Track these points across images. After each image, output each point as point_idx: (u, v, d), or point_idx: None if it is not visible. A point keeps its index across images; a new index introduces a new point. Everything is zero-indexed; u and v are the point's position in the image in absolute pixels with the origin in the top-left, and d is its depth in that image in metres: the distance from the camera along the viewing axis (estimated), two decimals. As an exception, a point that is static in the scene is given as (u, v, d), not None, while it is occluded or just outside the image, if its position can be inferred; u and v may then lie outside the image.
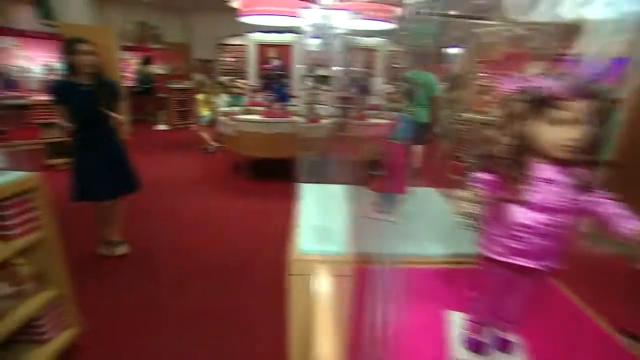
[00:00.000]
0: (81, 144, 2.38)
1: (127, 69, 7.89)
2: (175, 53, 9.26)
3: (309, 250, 0.98)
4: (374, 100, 7.62)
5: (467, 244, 0.87)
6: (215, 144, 5.95)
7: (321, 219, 1.19)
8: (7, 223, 1.49)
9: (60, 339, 1.81)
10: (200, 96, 5.84)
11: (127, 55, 8.02)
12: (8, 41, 5.63)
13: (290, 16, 4.54)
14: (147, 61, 7.75)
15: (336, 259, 0.93)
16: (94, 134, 2.34)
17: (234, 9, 6.42)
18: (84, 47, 2.21)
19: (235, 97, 4.53)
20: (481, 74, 5.92)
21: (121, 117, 2.42)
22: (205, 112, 5.78)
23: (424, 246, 1.06)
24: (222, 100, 5.97)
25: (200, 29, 9.81)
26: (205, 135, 5.87)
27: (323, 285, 0.87)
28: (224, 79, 7.00)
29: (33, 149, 5.24)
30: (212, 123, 5.91)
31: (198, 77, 8.33)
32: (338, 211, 1.22)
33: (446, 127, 5.11)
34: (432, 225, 1.22)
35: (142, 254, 2.76)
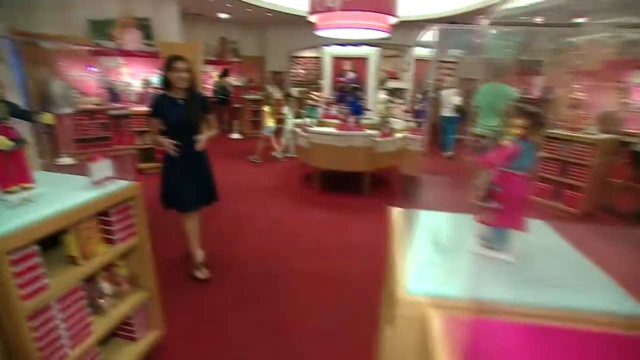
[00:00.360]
0: (174, 157, 2.43)
1: (208, 81, 8.52)
2: (250, 65, 9.79)
3: (417, 292, 0.87)
4: (446, 113, 7.24)
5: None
6: (278, 154, 6.21)
7: (429, 252, 1.07)
8: (112, 228, 1.61)
9: (147, 339, 1.92)
10: (266, 107, 6.08)
11: (208, 68, 8.69)
12: (117, 60, 6.41)
13: (366, 29, 4.51)
14: (225, 73, 8.28)
15: (452, 304, 0.81)
16: (184, 146, 2.39)
17: (306, 23, 6.62)
18: (181, 64, 2.29)
19: (309, 108, 4.58)
20: (574, 86, 5.28)
21: (212, 132, 2.52)
22: (270, 123, 6.02)
23: (564, 296, 0.87)
24: (290, 112, 6.21)
25: (274, 42, 10.26)
26: (268, 144, 6.16)
27: (435, 334, 0.76)
28: (293, 90, 7.22)
29: (129, 153, 5.88)
30: (276, 133, 6.17)
31: (269, 89, 8.72)
32: (447, 244, 1.09)
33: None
34: (560, 267, 1.03)
35: (219, 261, 2.86)
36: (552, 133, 4.28)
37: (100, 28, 6.01)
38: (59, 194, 1.47)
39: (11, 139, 1.37)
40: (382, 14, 4.38)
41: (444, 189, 1.35)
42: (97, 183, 1.55)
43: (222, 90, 8.13)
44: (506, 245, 1.07)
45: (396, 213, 1.46)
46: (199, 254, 2.65)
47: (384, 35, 4.69)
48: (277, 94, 8.61)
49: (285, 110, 6.27)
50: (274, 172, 5.53)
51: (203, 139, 2.42)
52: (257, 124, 8.53)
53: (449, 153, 7.26)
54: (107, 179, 1.60)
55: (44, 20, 5.68)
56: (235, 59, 9.43)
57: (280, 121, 6.59)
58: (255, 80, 9.48)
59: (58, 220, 1.35)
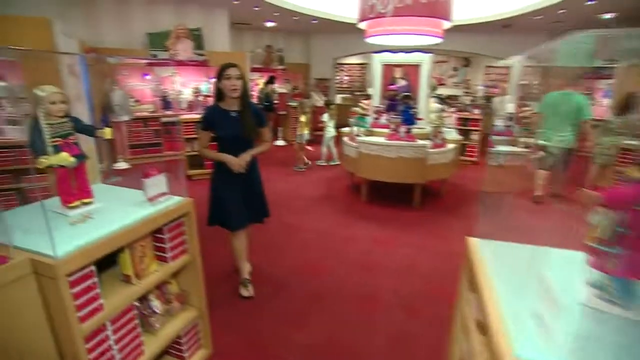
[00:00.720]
0: (222, 168, 2.31)
1: (254, 88, 8.69)
2: (295, 72, 9.87)
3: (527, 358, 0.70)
4: (498, 122, 6.78)
5: None
6: (322, 162, 6.23)
7: (532, 302, 0.88)
8: (165, 246, 1.57)
9: (195, 358, 1.86)
10: (302, 117, 6.06)
11: (254, 75, 8.87)
12: (170, 70, 6.70)
13: (419, 35, 4.30)
14: (271, 81, 8.39)
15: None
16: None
17: (351, 30, 6.53)
18: (233, 71, 2.14)
19: (358, 117, 4.45)
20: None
21: (262, 147, 2.38)
22: (304, 131, 6.04)
23: None
24: (330, 120, 6.18)
25: (319, 49, 10.27)
26: (304, 152, 6.18)
27: None
28: (336, 98, 7.13)
29: (178, 159, 6.09)
30: (313, 141, 6.10)
31: (314, 95, 8.69)
32: (553, 292, 0.90)
33: (605, 156, 4.16)
34: None
35: (265, 277, 2.79)
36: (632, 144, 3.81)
37: (157, 40, 6.32)
38: (115, 210, 1.45)
39: (74, 155, 1.37)
40: (437, 19, 4.16)
41: (538, 216, 1.14)
42: (152, 199, 1.51)
43: (267, 98, 8.24)
44: (631, 299, 0.86)
45: (477, 245, 1.27)
46: (246, 270, 2.57)
47: (437, 41, 4.46)
48: (320, 101, 8.58)
49: (325, 117, 6.21)
50: (319, 180, 5.44)
51: (246, 158, 2.24)
52: (301, 131, 8.58)
53: (500, 162, 6.80)
54: (162, 194, 1.57)
55: (108, 34, 6.07)
56: (280, 66, 9.54)
57: (319, 129, 6.54)
58: (300, 87, 9.54)
59: (116, 239, 1.31)
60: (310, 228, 3.71)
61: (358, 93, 12.46)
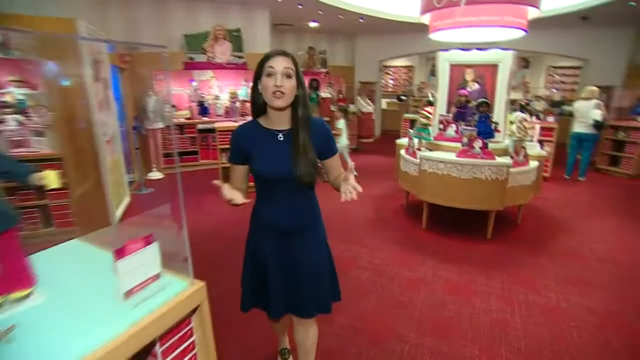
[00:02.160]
0: (256, 220, 1.43)
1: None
2: (339, 76, 9.26)
3: None
4: (582, 129, 5.68)
5: None
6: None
7: None
8: None
9: None
10: (340, 123, 5.49)
11: (296, 79, 8.35)
12: (208, 73, 6.34)
13: (499, 27, 3.51)
14: (315, 86, 7.81)
15: None
16: (283, 215, 1.37)
17: (399, 29, 5.83)
18: (280, 62, 1.24)
19: (420, 128, 3.71)
20: None
21: (348, 183, 1.18)
22: (343, 139, 5.53)
23: None
24: (345, 127, 5.61)
25: (364, 51, 9.59)
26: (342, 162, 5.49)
27: None
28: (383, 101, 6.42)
29: (213, 169, 5.67)
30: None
31: (359, 100, 8.04)
32: None
33: None
34: None
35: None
36: None
37: (194, 42, 5.97)
38: (62, 320, 0.82)
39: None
40: (523, 5, 3.34)
41: None
42: (130, 294, 0.89)
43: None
44: None
45: None
46: (284, 341, 1.94)
47: (520, 34, 3.63)
48: (367, 106, 7.90)
49: (341, 124, 5.56)
50: (363, 197, 4.72)
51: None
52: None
53: (581, 178, 5.76)
54: (150, 280, 0.94)
55: (145, 36, 5.79)
56: (323, 69, 8.97)
57: (365, 136, 5.86)
58: (344, 92, 8.90)
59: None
60: (363, 263, 3.03)
61: (404, 97, 11.63)
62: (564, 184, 5.67)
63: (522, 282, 2.76)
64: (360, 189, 1.16)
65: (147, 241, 0.90)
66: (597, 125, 5.53)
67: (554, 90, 9.70)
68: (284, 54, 1.24)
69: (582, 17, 7.12)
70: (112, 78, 4.91)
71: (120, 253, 0.82)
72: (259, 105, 1.33)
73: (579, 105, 5.70)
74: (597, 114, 5.44)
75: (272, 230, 1.38)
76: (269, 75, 1.22)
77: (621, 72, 7.74)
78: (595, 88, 5.69)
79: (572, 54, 8.11)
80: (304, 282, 1.40)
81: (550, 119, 6.07)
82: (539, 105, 6.72)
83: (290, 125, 1.32)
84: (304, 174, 1.27)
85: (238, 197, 1.16)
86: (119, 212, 3.89)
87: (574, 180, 5.82)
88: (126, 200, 4.39)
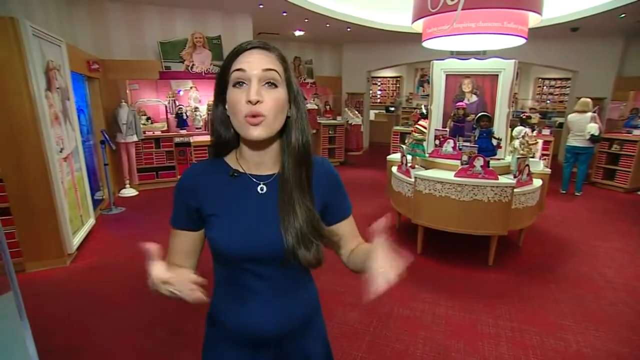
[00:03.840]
0: (223, 336, 0.85)
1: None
2: (326, 86, 9.00)
3: None
4: (577, 143, 5.48)
5: None
6: None
7: None
8: None
9: None
10: None
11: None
12: (187, 84, 5.96)
13: (498, 34, 3.25)
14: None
15: None
16: (261, 313, 0.80)
17: (387, 39, 5.60)
18: (259, 62, 0.74)
19: (413, 144, 3.40)
20: None
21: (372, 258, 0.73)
22: None
23: None
24: None
25: (352, 61, 9.36)
26: None
27: None
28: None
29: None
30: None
31: (347, 112, 7.77)
32: None
33: None
34: None
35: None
36: None
37: (171, 49, 5.59)
38: None
39: None
40: (524, 11, 3.09)
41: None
42: None
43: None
44: None
45: None
46: None
47: (521, 42, 3.38)
48: (355, 118, 7.60)
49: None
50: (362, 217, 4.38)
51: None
52: (332, 151, 7.62)
53: (578, 193, 5.54)
54: None
55: (117, 43, 5.38)
56: (310, 80, 8.69)
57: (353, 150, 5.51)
58: (331, 103, 8.62)
59: None
60: (350, 299, 2.65)
61: (392, 109, 11.43)
62: (561, 199, 5.44)
63: (534, 320, 2.43)
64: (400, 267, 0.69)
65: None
66: (594, 139, 5.34)
67: (548, 102, 9.61)
68: (265, 46, 0.73)
69: (572, 29, 7.03)
70: (78, 87, 4.50)
71: None
72: (223, 136, 0.79)
73: (574, 119, 5.51)
74: (594, 128, 5.25)
75: (246, 343, 0.82)
76: (239, 83, 0.71)
77: (610, 83, 7.67)
78: (589, 100, 5.52)
79: (562, 65, 8.03)
80: None
81: (546, 131, 5.88)
82: (534, 119, 6.53)
83: (278, 168, 0.80)
84: (304, 250, 0.75)
85: (184, 285, 0.64)
86: (78, 238, 3.44)
87: (570, 195, 5.60)
88: (90, 222, 3.93)
